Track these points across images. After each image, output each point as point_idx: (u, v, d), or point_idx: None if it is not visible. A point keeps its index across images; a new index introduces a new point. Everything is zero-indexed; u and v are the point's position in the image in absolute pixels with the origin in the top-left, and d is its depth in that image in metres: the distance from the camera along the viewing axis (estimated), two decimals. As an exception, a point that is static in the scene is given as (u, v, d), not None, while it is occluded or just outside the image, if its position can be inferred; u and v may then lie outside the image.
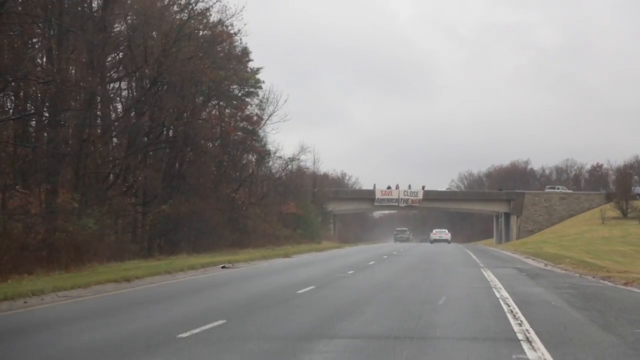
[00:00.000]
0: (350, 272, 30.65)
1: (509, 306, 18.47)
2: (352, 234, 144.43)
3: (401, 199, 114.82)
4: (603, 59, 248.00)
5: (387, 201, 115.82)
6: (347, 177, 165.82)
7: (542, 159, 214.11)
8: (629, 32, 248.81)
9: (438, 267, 35.72)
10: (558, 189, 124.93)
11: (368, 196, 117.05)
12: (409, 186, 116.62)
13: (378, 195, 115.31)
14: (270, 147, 77.07)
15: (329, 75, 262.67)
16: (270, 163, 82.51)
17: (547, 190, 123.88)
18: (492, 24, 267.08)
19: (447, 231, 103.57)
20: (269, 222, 69.28)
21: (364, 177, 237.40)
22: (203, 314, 16.35)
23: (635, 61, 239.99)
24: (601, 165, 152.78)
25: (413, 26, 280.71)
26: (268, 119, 71.45)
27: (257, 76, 72.51)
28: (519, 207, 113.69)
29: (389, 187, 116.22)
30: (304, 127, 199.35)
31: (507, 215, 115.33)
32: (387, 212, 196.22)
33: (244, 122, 74.24)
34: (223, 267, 32.17)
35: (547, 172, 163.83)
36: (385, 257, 45.66)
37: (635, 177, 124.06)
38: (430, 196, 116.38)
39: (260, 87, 72.06)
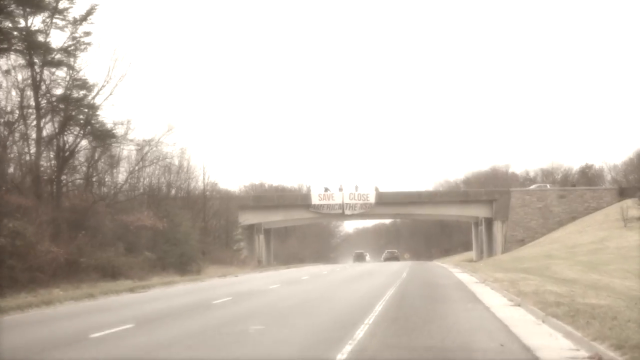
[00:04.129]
0: None
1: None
2: (310, 253, 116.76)
3: (346, 204, 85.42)
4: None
5: (327, 207, 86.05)
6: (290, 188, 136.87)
7: (523, 163, 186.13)
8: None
9: None
10: (547, 187, 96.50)
11: (302, 202, 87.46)
12: (356, 187, 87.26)
13: (315, 201, 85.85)
14: (118, 127, 49.39)
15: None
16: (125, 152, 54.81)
17: (538, 187, 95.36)
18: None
19: (396, 251, 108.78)
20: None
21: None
22: None
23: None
24: (591, 166, 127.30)
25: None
26: (115, 86, 45.26)
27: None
28: (505, 209, 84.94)
29: (326, 190, 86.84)
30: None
31: (489, 221, 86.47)
32: (360, 226, 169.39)
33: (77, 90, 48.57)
34: None
35: (531, 174, 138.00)
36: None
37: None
38: (386, 199, 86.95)
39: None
